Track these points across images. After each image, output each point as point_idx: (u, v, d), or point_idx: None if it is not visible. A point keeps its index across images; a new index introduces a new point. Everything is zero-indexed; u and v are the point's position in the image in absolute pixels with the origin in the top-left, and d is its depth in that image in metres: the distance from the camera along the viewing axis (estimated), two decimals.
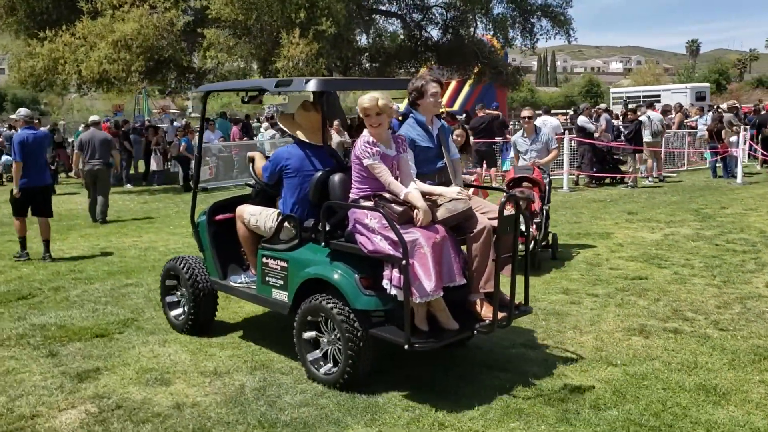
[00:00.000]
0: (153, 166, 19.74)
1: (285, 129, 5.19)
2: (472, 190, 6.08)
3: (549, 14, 24.86)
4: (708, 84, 44.65)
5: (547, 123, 15.79)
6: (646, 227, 10.21)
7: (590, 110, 16.52)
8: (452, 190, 4.53)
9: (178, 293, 5.96)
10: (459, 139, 7.72)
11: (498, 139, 16.33)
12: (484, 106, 16.97)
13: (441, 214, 4.41)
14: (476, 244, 4.50)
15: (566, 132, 16.44)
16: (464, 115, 23.51)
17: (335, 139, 14.28)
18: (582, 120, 15.73)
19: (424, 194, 4.46)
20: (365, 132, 4.55)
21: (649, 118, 15.48)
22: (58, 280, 7.93)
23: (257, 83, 5.81)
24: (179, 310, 5.92)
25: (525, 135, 8.77)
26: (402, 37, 25.75)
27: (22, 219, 8.94)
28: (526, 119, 8.70)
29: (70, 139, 24.18)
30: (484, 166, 16.34)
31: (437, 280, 4.22)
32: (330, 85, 5.17)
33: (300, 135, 5.04)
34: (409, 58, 25.54)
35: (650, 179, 16.13)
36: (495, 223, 4.49)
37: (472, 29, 26.47)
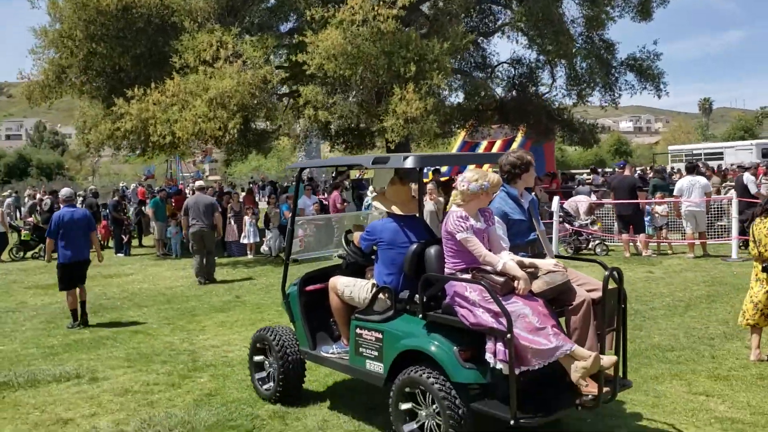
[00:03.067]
0: (230, 236, 17.85)
1: (381, 207, 5.21)
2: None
3: (636, 68, 23.37)
4: None
5: (696, 183, 13.91)
6: None
7: (754, 169, 14.67)
8: (549, 263, 4.50)
9: (266, 364, 5.92)
10: None
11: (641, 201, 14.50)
12: (626, 164, 15.19)
13: (539, 286, 4.31)
14: (575, 318, 4.41)
15: (723, 192, 14.62)
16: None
17: (428, 207, 12.10)
18: (747, 178, 13.89)
19: (520, 265, 4.36)
20: (455, 207, 4.54)
21: None
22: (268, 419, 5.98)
23: (354, 160, 6.06)
24: (270, 384, 5.87)
25: None
26: (463, 95, 24.30)
27: (71, 291, 9.41)
28: None
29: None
30: (631, 231, 14.55)
31: (547, 344, 4.05)
32: (426, 161, 5.13)
33: (394, 209, 5.09)
34: (468, 116, 24.02)
35: None
36: (593, 295, 4.42)
37: (546, 86, 25.04)
